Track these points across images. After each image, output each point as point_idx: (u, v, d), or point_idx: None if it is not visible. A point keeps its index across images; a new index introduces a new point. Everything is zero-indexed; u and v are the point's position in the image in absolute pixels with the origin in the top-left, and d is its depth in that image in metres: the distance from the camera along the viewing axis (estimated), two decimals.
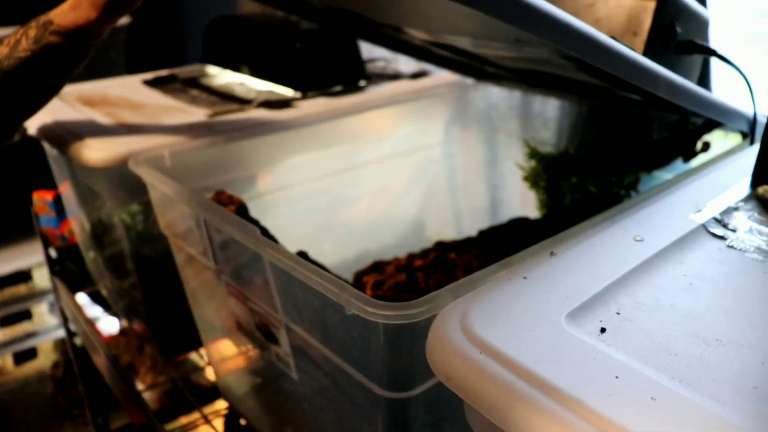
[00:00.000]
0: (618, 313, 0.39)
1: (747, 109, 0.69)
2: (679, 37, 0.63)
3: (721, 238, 0.48)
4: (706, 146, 0.77)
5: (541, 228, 0.82)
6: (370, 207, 1.00)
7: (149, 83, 1.00)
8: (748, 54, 0.95)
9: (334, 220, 0.95)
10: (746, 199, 0.53)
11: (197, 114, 0.84)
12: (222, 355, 0.76)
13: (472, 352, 0.34)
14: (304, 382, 0.58)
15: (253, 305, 0.59)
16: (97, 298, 1.10)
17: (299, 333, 0.53)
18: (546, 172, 0.81)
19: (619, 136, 0.85)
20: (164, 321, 0.85)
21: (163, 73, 1.04)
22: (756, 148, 0.66)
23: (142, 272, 0.80)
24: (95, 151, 0.71)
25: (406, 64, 1.13)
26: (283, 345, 0.57)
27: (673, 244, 0.46)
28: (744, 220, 0.50)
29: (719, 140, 0.77)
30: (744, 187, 0.56)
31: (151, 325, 0.86)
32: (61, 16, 0.63)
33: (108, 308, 1.06)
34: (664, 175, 0.82)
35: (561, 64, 0.70)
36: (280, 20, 1.04)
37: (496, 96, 1.00)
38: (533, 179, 0.84)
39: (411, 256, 0.85)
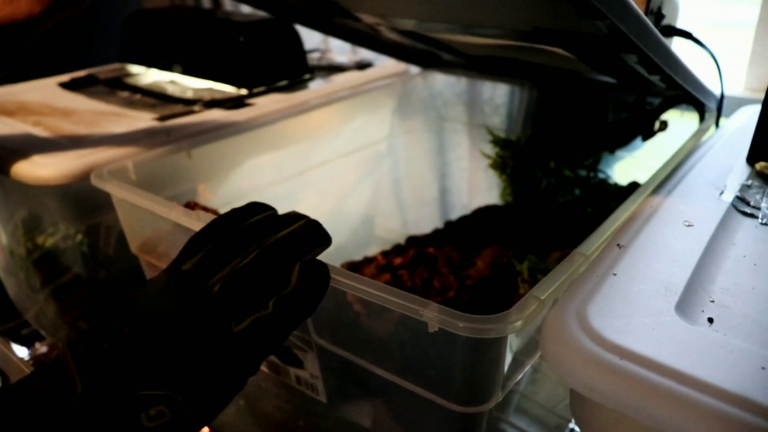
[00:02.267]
0: (712, 301, 0.39)
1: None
2: (662, 20, 0.65)
3: (752, 216, 0.49)
4: (663, 125, 0.80)
5: (514, 214, 0.83)
6: (318, 206, 0.96)
7: (67, 86, 0.89)
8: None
9: None
10: (750, 177, 0.56)
11: (142, 118, 0.76)
12: None
13: (610, 359, 0.33)
14: (335, 405, 0.54)
15: None
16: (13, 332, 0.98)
17: (338, 354, 0.49)
18: (516, 158, 0.81)
19: (574, 119, 0.87)
20: None
21: (80, 74, 0.93)
22: (727, 127, 0.70)
23: (100, 299, 0.72)
24: (46, 168, 0.62)
25: (339, 54, 1.09)
26: (309, 368, 0.53)
27: (718, 226, 0.47)
28: (762, 197, 0.52)
29: (675, 119, 0.80)
30: (742, 165, 0.58)
31: None
32: None
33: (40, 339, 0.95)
34: (623, 154, 0.85)
35: (534, 50, 0.70)
36: (208, 12, 0.97)
37: (441, 83, 0.99)
38: (501, 166, 0.83)
39: (386, 254, 0.83)
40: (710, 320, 0.37)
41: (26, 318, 0.95)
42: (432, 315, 0.39)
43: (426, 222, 1.08)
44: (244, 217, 0.45)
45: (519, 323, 0.38)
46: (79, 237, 0.72)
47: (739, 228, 0.47)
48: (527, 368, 0.46)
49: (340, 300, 0.46)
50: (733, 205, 0.50)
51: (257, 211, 0.46)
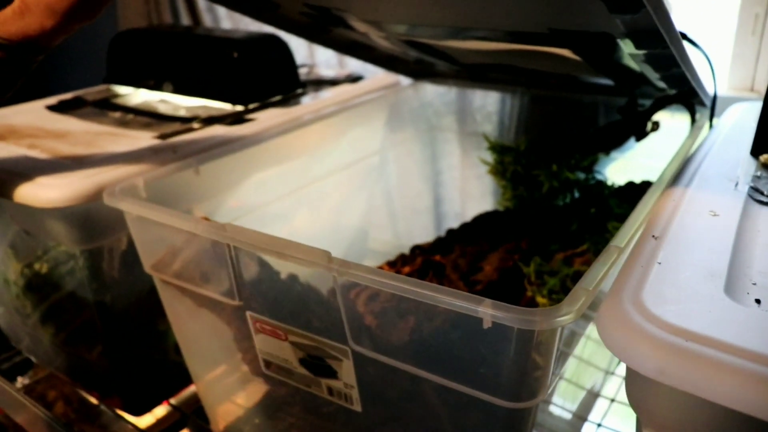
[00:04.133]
0: (754, 284, 0.40)
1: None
2: None
3: (767, 204, 0.51)
4: (656, 125, 0.82)
5: (516, 218, 0.84)
6: (314, 222, 0.96)
7: (54, 108, 0.87)
8: None
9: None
10: (758, 168, 0.58)
11: (141, 137, 0.75)
12: (231, 402, 0.68)
13: (676, 341, 0.34)
14: (370, 414, 0.53)
15: (299, 338, 0.53)
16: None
17: (380, 360, 0.48)
18: (517, 163, 0.82)
19: (568, 123, 0.89)
20: (131, 373, 0.75)
21: (67, 96, 0.92)
22: (722, 124, 0.72)
23: (108, 322, 0.70)
24: (53, 189, 0.60)
25: (326, 69, 1.09)
26: (344, 377, 0.52)
27: (741, 215, 0.48)
28: None
29: (666, 119, 0.83)
30: (747, 158, 0.60)
31: (114, 379, 0.76)
32: (3, 24, 0.53)
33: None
34: (617, 154, 0.87)
35: (533, 54, 0.71)
36: (195, 30, 0.96)
37: (432, 94, 1.00)
38: (501, 172, 0.84)
39: (392, 264, 0.83)
40: (758, 301, 0.38)
41: (19, 348, 0.92)
42: (487, 311, 0.39)
43: (420, 232, 1.08)
44: None
45: (571, 315, 0.39)
46: (82, 260, 0.70)
47: (759, 216, 0.49)
48: (569, 361, 0.47)
49: (380, 305, 0.46)
50: (749, 195, 0.52)
51: None
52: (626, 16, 0.44)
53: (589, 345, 0.67)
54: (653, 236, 0.45)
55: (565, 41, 0.59)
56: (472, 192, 1.03)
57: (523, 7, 0.52)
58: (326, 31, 0.79)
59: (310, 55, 1.19)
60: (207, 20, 1.41)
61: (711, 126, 0.75)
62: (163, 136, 0.74)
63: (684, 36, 0.70)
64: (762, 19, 0.85)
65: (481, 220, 0.86)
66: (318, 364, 0.53)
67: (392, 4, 0.61)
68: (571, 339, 0.52)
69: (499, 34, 0.62)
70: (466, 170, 1.02)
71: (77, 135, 0.77)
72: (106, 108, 0.88)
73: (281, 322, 0.53)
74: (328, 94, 0.92)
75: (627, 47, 0.54)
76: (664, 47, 0.50)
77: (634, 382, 0.38)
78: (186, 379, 0.72)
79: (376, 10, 0.64)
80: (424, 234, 1.06)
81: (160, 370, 0.79)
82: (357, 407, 0.53)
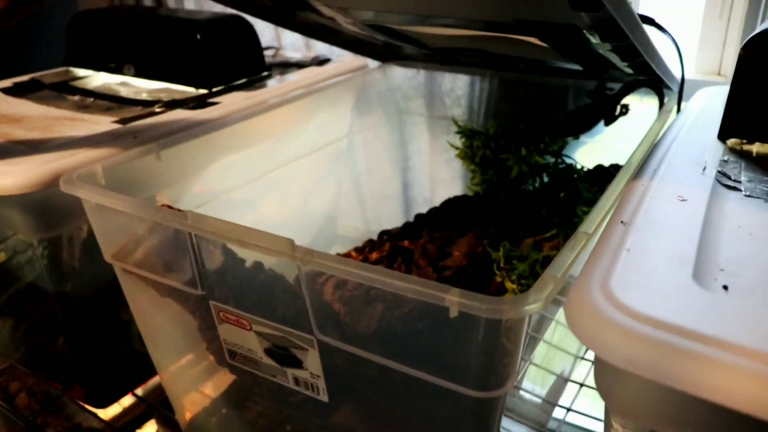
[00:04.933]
0: (722, 270, 0.40)
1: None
2: None
3: (735, 189, 0.51)
4: (625, 109, 0.82)
5: (485, 203, 0.83)
6: (281, 207, 0.94)
7: (10, 91, 0.84)
8: None
9: (250, 224, 0.88)
10: (726, 153, 0.58)
11: (101, 122, 0.72)
12: (197, 392, 0.67)
13: (645, 330, 0.33)
14: (338, 404, 0.53)
15: (264, 328, 0.52)
16: None
17: (345, 350, 0.47)
18: (486, 147, 0.81)
19: (538, 107, 0.89)
20: (94, 364, 0.73)
21: (23, 78, 0.88)
22: (690, 108, 0.72)
23: (69, 312, 0.68)
24: (7, 176, 0.58)
25: (293, 51, 1.07)
26: (310, 367, 0.51)
27: (709, 200, 0.48)
28: (740, 171, 0.54)
29: (635, 103, 0.83)
30: (714, 142, 0.60)
31: (77, 371, 0.74)
32: None
33: None
34: (586, 138, 0.87)
35: (502, 40, 0.71)
36: (157, 11, 0.93)
37: (400, 77, 0.99)
38: (470, 156, 0.84)
39: (360, 250, 0.82)
40: (725, 287, 0.38)
41: None
42: (454, 299, 0.38)
43: (388, 218, 1.07)
44: None
45: (539, 303, 0.39)
46: (40, 249, 0.68)
47: (727, 200, 0.49)
48: (538, 346, 0.47)
49: (348, 293, 0.45)
50: (717, 180, 0.52)
51: None
52: (589, 13, 0.43)
53: (559, 330, 0.67)
54: (622, 222, 0.45)
55: (532, 31, 0.58)
56: (441, 177, 1.02)
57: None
58: (291, 14, 0.77)
59: (277, 38, 1.17)
60: (170, 1, 1.37)
61: (679, 110, 0.75)
62: (123, 121, 0.72)
63: (651, 21, 0.70)
64: (729, 3, 0.85)
65: (450, 204, 0.86)
66: (283, 354, 0.52)
67: None
68: (541, 324, 0.52)
69: (466, 22, 0.61)
70: (436, 155, 1.01)
71: (33, 119, 0.74)
72: (64, 91, 0.85)
73: (245, 312, 0.52)
74: (295, 77, 0.90)
75: (593, 38, 0.54)
76: (629, 40, 0.49)
77: (603, 370, 0.38)
78: (152, 370, 0.70)
79: None
80: (393, 219, 1.05)
81: (124, 360, 0.77)
82: (324, 397, 0.53)
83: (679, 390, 0.32)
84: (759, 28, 0.60)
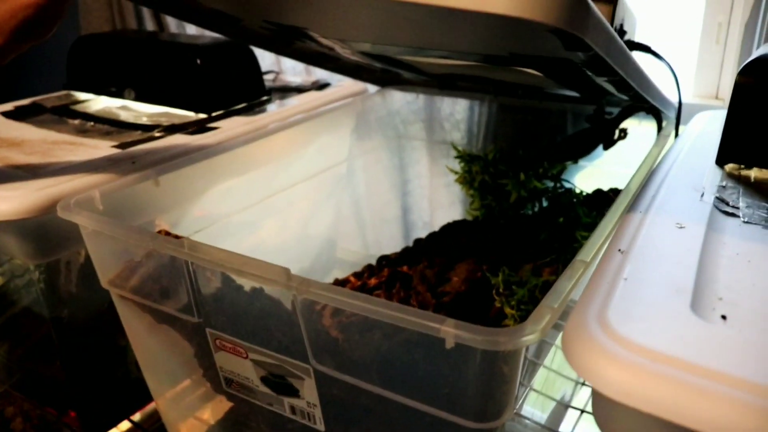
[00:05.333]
0: (720, 299, 0.39)
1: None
2: (624, 36, 0.67)
3: (733, 215, 0.51)
4: (623, 133, 0.82)
5: (484, 228, 0.83)
6: (281, 232, 0.94)
7: (11, 115, 0.85)
8: None
9: (249, 249, 0.88)
10: (723, 178, 0.58)
11: (100, 146, 0.73)
12: (194, 419, 0.66)
13: (642, 363, 0.33)
14: None
15: (260, 356, 0.52)
16: None
17: (342, 380, 0.47)
18: (484, 172, 0.81)
19: (536, 131, 0.89)
20: (90, 390, 0.73)
21: (25, 102, 0.89)
22: (688, 132, 0.72)
23: (64, 338, 0.68)
24: (4, 202, 0.58)
25: (293, 75, 1.08)
26: (306, 396, 0.51)
27: (707, 227, 0.48)
28: (738, 197, 0.54)
29: (634, 126, 0.83)
30: (712, 167, 0.60)
31: (72, 397, 0.73)
32: None
33: None
34: (585, 163, 0.87)
35: (500, 68, 0.71)
36: (158, 35, 0.94)
37: (400, 101, 0.99)
38: (468, 181, 0.84)
39: (358, 276, 0.81)
40: (723, 317, 0.37)
41: None
42: (450, 330, 0.38)
43: (388, 242, 1.07)
44: None
45: (536, 334, 0.38)
46: (37, 274, 0.67)
47: (725, 227, 0.49)
48: (536, 378, 0.46)
49: (342, 323, 0.45)
50: (715, 206, 0.52)
51: None
52: (581, 53, 0.43)
53: (560, 355, 0.67)
54: (619, 250, 0.45)
55: (528, 63, 0.58)
56: (441, 201, 1.02)
57: (482, 37, 0.52)
58: (289, 43, 0.77)
59: (277, 62, 1.17)
60: (172, 26, 1.38)
61: (677, 134, 0.75)
62: (122, 145, 0.72)
63: (647, 48, 0.70)
64: (725, 28, 0.86)
65: (449, 229, 0.85)
66: (279, 383, 0.52)
67: (352, 25, 0.60)
68: (541, 350, 0.52)
69: (462, 55, 0.61)
70: (435, 179, 1.01)
71: (33, 143, 0.74)
72: (65, 115, 0.85)
73: (241, 340, 0.52)
74: (294, 102, 0.90)
75: (589, 71, 0.54)
76: (622, 78, 0.50)
77: (600, 401, 0.37)
78: (148, 396, 0.70)
79: (337, 30, 0.63)
80: (393, 243, 1.05)
81: (121, 386, 0.77)
82: (320, 426, 0.52)
83: (677, 423, 0.32)
84: (754, 54, 0.60)
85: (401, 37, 0.58)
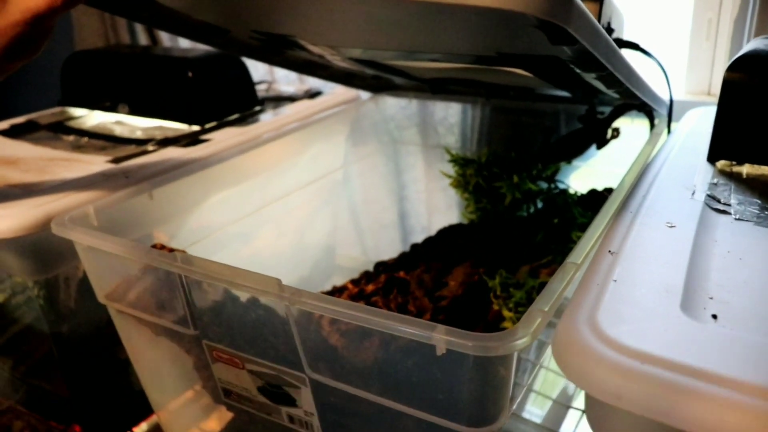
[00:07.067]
0: (711, 298, 0.39)
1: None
2: (612, 35, 0.67)
3: (725, 212, 0.51)
4: (616, 132, 0.82)
5: (480, 231, 0.83)
6: (278, 240, 0.94)
7: (6, 133, 0.85)
8: None
9: (247, 258, 0.88)
10: (715, 175, 0.58)
11: (95, 162, 0.73)
12: (195, 430, 0.66)
13: (632, 365, 0.33)
14: None
15: (256, 367, 0.52)
16: None
17: (338, 388, 0.47)
18: (478, 175, 0.81)
19: (529, 132, 0.89)
20: (92, 404, 0.73)
21: (20, 120, 0.89)
22: (680, 130, 0.72)
23: (66, 353, 0.68)
24: (2, 220, 0.58)
25: (286, 84, 1.08)
26: (303, 405, 0.51)
27: (698, 225, 0.48)
28: (729, 194, 0.54)
29: (626, 125, 0.83)
30: (704, 165, 0.60)
31: (75, 411, 0.73)
32: None
33: None
34: (579, 163, 0.87)
35: (489, 70, 0.71)
36: (150, 50, 0.94)
37: (393, 107, 1.00)
38: (463, 185, 0.84)
39: (356, 282, 0.81)
40: (714, 317, 0.37)
41: None
42: (441, 337, 0.38)
43: (387, 247, 1.07)
44: None
45: (527, 338, 0.38)
46: (36, 290, 0.68)
47: (717, 225, 0.49)
48: (529, 383, 0.46)
49: (337, 331, 0.45)
50: (706, 204, 0.52)
51: None
52: (567, 47, 0.44)
53: None
54: (610, 251, 0.45)
55: (516, 63, 0.58)
56: (437, 205, 1.02)
57: (468, 35, 0.52)
58: (279, 53, 0.77)
59: (270, 72, 1.18)
60: (165, 40, 1.38)
61: (669, 132, 0.75)
62: (117, 160, 0.73)
63: (636, 46, 0.70)
64: (715, 24, 0.86)
65: (445, 234, 0.86)
66: (276, 393, 0.52)
67: (339, 30, 0.60)
68: (540, 350, 0.52)
69: (451, 56, 0.61)
70: (431, 183, 1.01)
71: (29, 161, 0.75)
72: (60, 131, 0.86)
73: (238, 350, 0.52)
74: (288, 111, 0.90)
75: (576, 68, 0.54)
76: (609, 71, 0.50)
77: (593, 404, 0.38)
78: (150, 408, 0.70)
79: (325, 36, 0.63)
80: (392, 248, 1.05)
81: (123, 399, 0.77)
82: None
83: (669, 425, 0.32)
84: (742, 50, 0.60)
85: (389, 41, 0.59)
